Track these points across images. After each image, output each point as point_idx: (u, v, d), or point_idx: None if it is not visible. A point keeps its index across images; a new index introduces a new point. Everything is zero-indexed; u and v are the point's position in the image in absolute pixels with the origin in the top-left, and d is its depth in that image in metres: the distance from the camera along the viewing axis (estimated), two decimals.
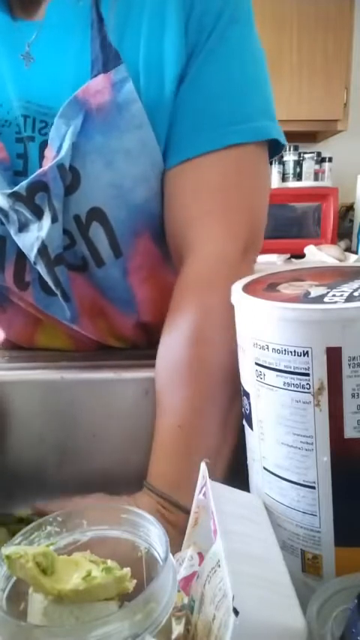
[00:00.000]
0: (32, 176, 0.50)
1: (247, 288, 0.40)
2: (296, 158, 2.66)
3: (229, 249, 0.51)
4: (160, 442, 0.47)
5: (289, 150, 2.61)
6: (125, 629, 0.25)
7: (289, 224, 2.50)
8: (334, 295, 0.35)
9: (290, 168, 2.65)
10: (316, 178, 2.71)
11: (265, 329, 0.36)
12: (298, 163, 2.67)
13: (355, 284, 0.37)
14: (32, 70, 0.52)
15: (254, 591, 0.28)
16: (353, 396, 0.33)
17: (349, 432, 0.34)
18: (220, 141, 0.50)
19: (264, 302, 0.36)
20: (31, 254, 0.53)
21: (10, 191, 0.51)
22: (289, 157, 2.63)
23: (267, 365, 0.36)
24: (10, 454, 0.54)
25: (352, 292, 0.35)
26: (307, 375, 0.34)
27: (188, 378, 0.47)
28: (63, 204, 0.51)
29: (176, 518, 0.43)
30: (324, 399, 0.33)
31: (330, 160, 2.71)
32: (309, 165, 2.67)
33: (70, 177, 0.50)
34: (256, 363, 0.37)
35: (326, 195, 2.51)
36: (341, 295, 0.34)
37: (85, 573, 0.29)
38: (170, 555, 0.30)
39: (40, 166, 0.52)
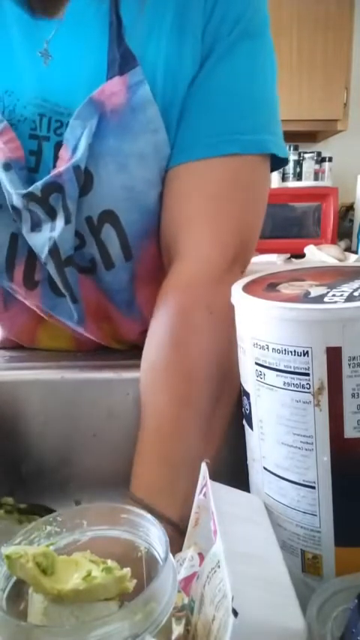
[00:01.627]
0: (47, 177, 0.50)
1: (247, 288, 0.40)
2: (296, 158, 2.66)
3: (215, 256, 0.51)
4: (140, 447, 0.46)
5: (289, 150, 2.61)
6: (125, 629, 0.25)
7: (289, 224, 2.50)
8: (334, 295, 0.35)
9: (290, 168, 2.65)
10: (316, 178, 2.71)
11: (265, 329, 0.36)
12: (298, 163, 2.67)
13: (355, 284, 0.37)
14: (50, 68, 0.52)
15: (254, 592, 0.28)
16: (353, 396, 0.33)
17: (349, 432, 0.34)
18: (217, 149, 0.51)
19: (264, 302, 0.36)
20: (42, 254, 0.53)
21: (25, 191, 0.51)
22: (289, 157, 2.63)
23: (267, 365, 0.36)
24: (11, 454, 0.54)
25: (352, 292, 0.35)
26: (307, 375, 0.34)
27: (165, 383, 0.47)
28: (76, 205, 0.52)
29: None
30: (324, 399, 0.33)
31: (330, 159, 2.71)
32: (309, 165, 2.67)
33: (84, 179, 0.51)
34: (256, 363, 0.37)
35: (326, 195, 2.51)
36: (341, 295, 0.34)
37: (85, 573, 0.29)
38: (170, 555, 0.30)
39: (54, 166, 0.52)
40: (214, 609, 0.28)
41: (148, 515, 0.33)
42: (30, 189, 0.51)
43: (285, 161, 0.56)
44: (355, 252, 2.50)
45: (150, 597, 0.27)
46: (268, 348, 0.36)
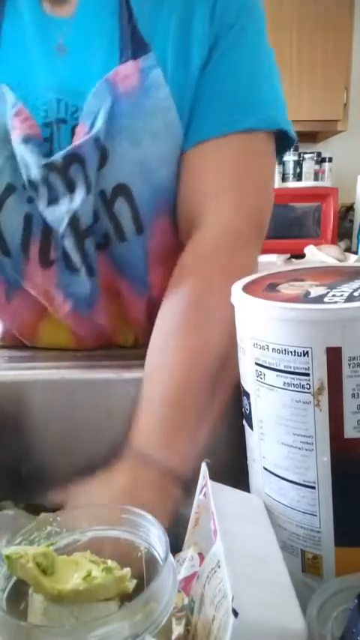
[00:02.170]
0: (68, 148, 0.52)
1: (247, 288, 0.40)
2: (296, 158, 2.66)
3: (237, 226, 0.54)
4: (144, 403, 0.48)
5: (289, 150, 2.61)
6: (125, 629, 0.25)
7: (289, 224, 2.50)
8: (334, 295, 0.35)
9: (290, 168, 2.65)
10: (316, 178, 2.71)
11: (265, 329, 0.36)
12: (298, 163, 2.67)
13: (355, 284, 0.37)
14: (66, 60, 0.56)
15: (254, 592, 0.28)
16: (353, 396, 0.33)
17: (349, 432, 0.34)
18: (232, 125, 0.54)
19: (264, 302, 0.36)
20: (61, 227, 0.55)
21: (46, 161, 0.53)
22: (289, 157, 2.63)
23: (267, 365, 0.36)
24: (11, 454, 0.54)
25: (352, 292, 0.35)
26: (307, 375, 0.34)
27: (179, 342, 0.49)
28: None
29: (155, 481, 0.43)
30: (324, 399, 0.33)
31: (330, 160, 2.71)
32: (309, 166, 2.67)
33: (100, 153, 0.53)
34: (256, 363, 0.37)
35: (326, 196, 2.51)
36: (341, 295, 0.34)
37: (85, 573, 0.29)
38: (170, 555, 0.30)
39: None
40: (214, 609, 0.28)
41: (148, 516, 0.33)
42: (51, 159, 0.53)
43: (292, 142, 0.60)
44: (355, 253, 2.50)
45: (150, 597, 0.27)
46: (268, 348, 0.36)
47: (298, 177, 2.68)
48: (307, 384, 0.34)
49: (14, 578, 0.30)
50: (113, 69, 0.53)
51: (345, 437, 0.34)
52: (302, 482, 0.36)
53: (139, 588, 0.29)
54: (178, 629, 0.32)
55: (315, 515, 0.36)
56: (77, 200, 0.53)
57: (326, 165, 2.70)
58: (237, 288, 0.41)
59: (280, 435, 0.36)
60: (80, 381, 0.54)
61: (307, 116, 2.54)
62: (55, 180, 0.53)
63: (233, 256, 0.52)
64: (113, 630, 0.25)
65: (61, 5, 0.57)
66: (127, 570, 0.30)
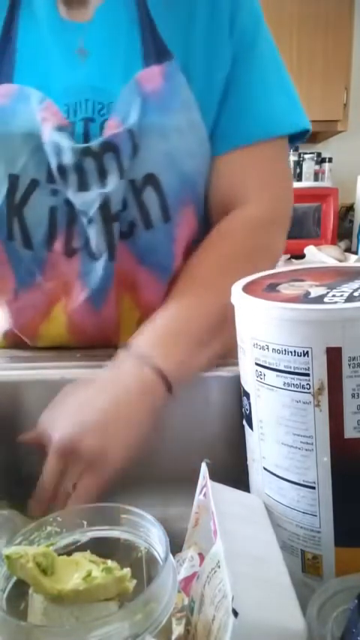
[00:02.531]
0: (104, 137, 0.56)
1: (247, 289, 0.40)
2: (296, 159, 2.66)
3: (270, 209, 0.63)
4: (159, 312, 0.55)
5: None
6: (125, 629, 0.25)
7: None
8: (334, 295, 0.35)
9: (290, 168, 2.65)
10: (316, 179, 2.71)
11: (265, 329, 0.36)
12: (298, 164, 2.67)
13: (355, 284, 0.37)
14: (89, 63, 0.59)
15: (254, 592, 0.28)
16: (353, 396, 0.33)
17: (349, 432, 0.34)
18: (267, 133, 0.62)
19: (264, 302, 0.36)
20: (90, 211, 0.57)
21: (83, 145, 0.56)
22: (289, 158, 2.63)
23: (267, 365, 0.36)
24: (11, 454, 0.54)
25: (352, 292, 0.35)
26: (307, 375, 0.34)
27: (207, 279, 0.58)
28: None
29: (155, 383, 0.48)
30: (324, 399, 0.33)
31: (330, 160, 2.70)
32: (309, 166, 2.67)
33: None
34: (256, 364, 0.37)
35: (326, 196, 2.51)
36: (341, 295, 0.34)
37: (85, 573, 0.29)
38: (170, 555, 0.30)
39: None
40: (214, 609, 0.28)
41: (148, 516, 0.33)
42: (88, 144, 0.56)
43: (305, 133, 0.67)
44: (355, 253, 2.50)
45: (150, 597, 0.27)
46: (268, 348, 0.36)
47: (298, 177, 2.68)
48: (307, 384, 0.34)
49: (14, 578, 0.30)
50: (138, 72, 0.57)
51: (345, 437, 0.34)
52: (302, 483, 0.36)
53: (139, 588, 0.29)
54: (178, 629, 0.32)
55: (315, 516, 0.36)
56: (110, 185, 0.57)
57: (326, 165, 2.70)
58: (237, 288, 0.41)
59: (280, 435, 0.36)
60: (80, 381, 0.54)
61: (307, 116, 2.54)
62: (90, 165, 0.56)
63: (269, 232, 0.63)
64: (113, 630, 0.25)
65: (78, 10, 0.60)
66: (127, 570, 0.30)
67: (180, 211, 0.62)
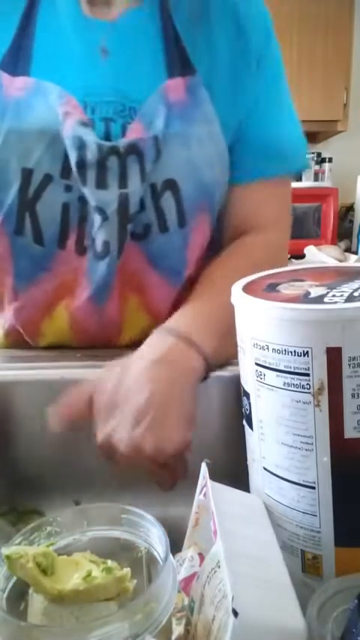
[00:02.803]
0: (130, 139, 0.57)
1: (247, 289, 0.40)
2: None
3: (279, 241, 0.69)
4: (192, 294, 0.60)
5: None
6: (125, 629, 0.25)
7: None
8: (334, 295, 0.35)
9: None
10: (316, 179, 2.71)
11: (265, 329, 0.36)
12: None
13: (355, 284, 0.37)
14: (109, 62, 0.59)
15: (254, 592, 0.28)
16: (353, 396, 0.33)
17: (349, 432, 0.34)
18: (286, 170, 0.68)
19: (264, 302, 0.36)
20: (108, 209, 0.58)
21: (110, 143, 0.57)
22: None
23: (267, 365, 0.36)
24: (11, 454, 0.54)
25: (352, 292, 0.35)
26: (307, 375, 0.34)
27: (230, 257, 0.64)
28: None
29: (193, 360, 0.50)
30: (324, 399, 0.33)
31: (330, 160, 2.70)
32: None
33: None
34: (256, 364, 0.37)
35: (326, 196, 2.51)
36: (341, 295, 0.34)
37: (85, 573, 0.29)
38: (170, 555, 0.30)
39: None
40: (214, 609, 0.28)
41: (148, 516, 0.33)
42: (115, 142, 0.57)
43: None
44: (355, 253, 2.50)
45: (150, 597, 0.27)
46: (268, 348, 0.36)
47: (298, 177, 2.68)
48: (307, 384, 0.34)
49: (14, 578, 0.30)
50: (162, 81, 0.59)
51: (345, 437, 0.34)
52: (302, 483, 0.36)
53: (139, 588, 0.29)
54: (178, 629, 0.32)
55: (315, 516, 0.36)
56: (130, 186, 0.58)
57: (326, 165, 2.70)
58: (237, 288, 0.41)
59: (280, 435, 0.36)
60: (80, 382, 0.54)
61: (307, 116, 2.53)
62: (113, 164, 0.57)
63: (282, 257, 0.70)
64: (113, 630, 0.25)
65: (102, 9, 0.60)
66: (127, 570, 0.30)
67: (195, 218, 0.63)
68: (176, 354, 0.50)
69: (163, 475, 0.48)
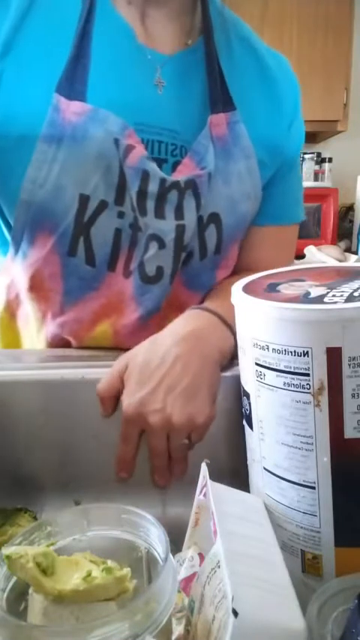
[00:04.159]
0: (189, 175, 0.61)
1: (247, 289, 0.40)
2: None
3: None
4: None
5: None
6: (125, 629, 0.25)
7: None
8: (334, 295, 0.35)
9: None
10: (316, 179, 2.70)
11: (265, 329, 0.36)
12: None
13: (355, 284, 0.37)
14: (164, 96, 0.62)
15: (254, 592, 0.28)
16: (353, 396, 0.33)
17: (349, 432, 0.34)
18: (296, 218, 0.76)
19: (264, 302, 0.36)
20: (166, 238, 0.62)
21: (175, 179, 0.60)
22: None
23: (267, 365, 0.36)
24: (10, 454, 0.54)
25: (352, 292, 0.35)
26: (308, 375, 0.34)
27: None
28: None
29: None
30: (324, 399, 0.33)
31: (330, 160, 2.70)
32: (309, 166, 2.66)
33: None
34: (256, 364, 0.37)
35: (326, 196, 2.51)
36: (341, 295, 0.34)
37: (85, 573, 0.29)
38: (170, 556, 0.30)
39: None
40: (214, 609, 0.28)
41: (148, 516, 0.33)
42: (177, 178, 0.60)
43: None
44: (355, 253, 2.50)
45: (150, 597, 0.27)
46: (268, 348, 0.36)
47: None
48: (307, 384, 0.34)
49: (14, 578, 0.30)
50: (204, 116, 0.62)
51: (345, 437, 0.34)
52: (302, 483, 0.36)
53: (139, 588, 0.29)
54: (178, 629, 0.32)
55: (315, 516, 0.36)
56: (187, 218, 0.62)
57: (326, 165, 2.70)
58: (237, 288, 0.41)
59: (280, 435, 0.36)
60: (80, 381, 0.54)
61: (307, 116, 2.50)
62: (173, 197, 0.61)
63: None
64: (113, 630, 0.25)
65: (160, 39, 0.62)
66: (127, 570, 0.30)
67: (230, 247, 0.69)
68: (210, 330, 0.54)
69: (163, 468, 0.48)
